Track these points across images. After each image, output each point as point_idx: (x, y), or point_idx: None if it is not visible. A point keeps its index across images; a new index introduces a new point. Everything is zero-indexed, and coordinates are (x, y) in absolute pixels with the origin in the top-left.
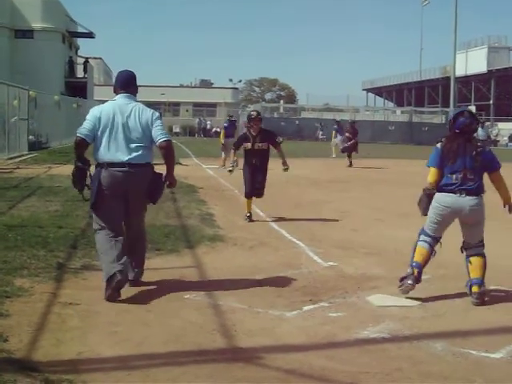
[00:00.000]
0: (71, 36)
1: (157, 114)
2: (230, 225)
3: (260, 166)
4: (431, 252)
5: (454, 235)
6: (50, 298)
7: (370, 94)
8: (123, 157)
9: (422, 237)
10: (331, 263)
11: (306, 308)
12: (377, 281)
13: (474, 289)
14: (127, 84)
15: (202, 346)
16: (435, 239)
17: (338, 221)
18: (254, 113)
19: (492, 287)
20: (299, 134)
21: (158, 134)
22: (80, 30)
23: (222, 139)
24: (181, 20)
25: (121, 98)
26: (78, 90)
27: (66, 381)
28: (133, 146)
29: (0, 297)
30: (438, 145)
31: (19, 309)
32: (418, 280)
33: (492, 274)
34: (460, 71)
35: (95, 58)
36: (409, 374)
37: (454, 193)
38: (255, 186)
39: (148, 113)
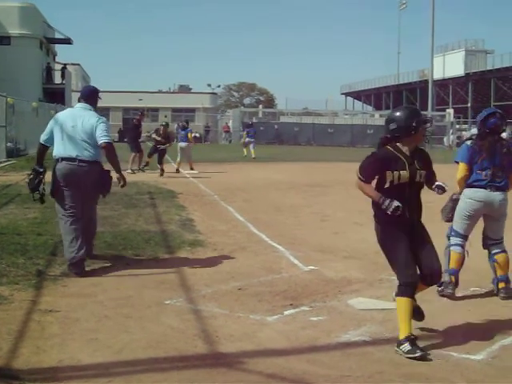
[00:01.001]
0: (49, 42)
1: (101, 120)
2: (209, 230)
3: (419, 218)
4: (464, 253)
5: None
6: (30, 306)
7: (349, 98)
8: (73, 153)
9: (454, 239)
10: (312, 267)
11: (286, 312)
12: (357, 284)
13: (501, 285)
14: (87, 96)
15: (183, 351)
16: (466, 238)
17: (317, 224)
18: (425, 117)
19: (472, 289)
20: (278, 139)
21: (99, 135)
22: (57, 36)
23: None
24: (159, 25)
25: (78, 107)
26: (56, 96)
27: None
28: (81, 145)
29: None
30: (469, 142)
31: None
32: (456, 285)
33: (472, 276)
34: (438, 74)
35: (73, 64)
36: (390, 376)
37: (485, 188)
38: (427, 265)
39: (93, 119)
